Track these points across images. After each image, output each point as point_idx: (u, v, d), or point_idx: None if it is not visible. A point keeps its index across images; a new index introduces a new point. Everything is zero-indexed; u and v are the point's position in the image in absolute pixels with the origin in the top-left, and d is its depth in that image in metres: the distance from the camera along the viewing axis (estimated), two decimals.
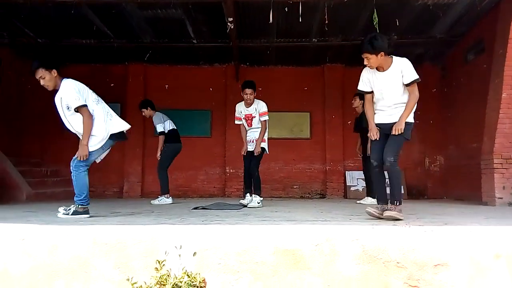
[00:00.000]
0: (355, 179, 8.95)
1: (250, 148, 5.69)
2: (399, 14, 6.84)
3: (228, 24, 6.53)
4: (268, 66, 9.27)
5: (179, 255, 2.58)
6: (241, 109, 5.73)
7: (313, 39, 7.94)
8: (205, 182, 9.19)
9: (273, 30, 7.49)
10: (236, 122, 5.86)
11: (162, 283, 2.47)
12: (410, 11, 6.76)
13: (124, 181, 8.97)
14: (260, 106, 5.62)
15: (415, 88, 3.76)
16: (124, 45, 8.23)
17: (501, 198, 5.92)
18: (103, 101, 4.21)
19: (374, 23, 6.19)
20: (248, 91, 5.53)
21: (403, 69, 3.77)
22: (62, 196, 6.77)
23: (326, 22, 6.42)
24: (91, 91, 4.20)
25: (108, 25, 7.40)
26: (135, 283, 2.51)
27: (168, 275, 2.51)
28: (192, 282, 2.48)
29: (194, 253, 2.59)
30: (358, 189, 8.81)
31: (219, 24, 7.04)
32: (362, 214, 4.30)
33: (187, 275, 2.51)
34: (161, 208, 5.40)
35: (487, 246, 2.55)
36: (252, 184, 5.73)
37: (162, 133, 6.77)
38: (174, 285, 2.45)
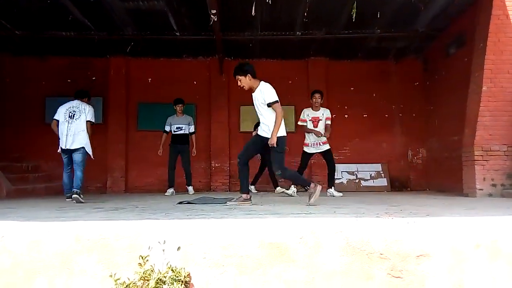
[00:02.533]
0: (340, 172, 9.02)
1: (313, 151, 6.61)
2: (382, 8, 6.89)
3: (212, 16, 6.46)
4: (252, 59, 9.21)
5: (163, 250, 2.56)
6: (308, 112, 6.63)
7: (297, 32, 7.94)
8: None
9: (257, 23, 7.45)
10: (299, 123, 6.78)
11: (145, 278, 2.45)
12: (392, 4, 6.81)
13: (107, 176, 8.85)
14: (327, 113, 6.62)
15: (276, 106, 4.51)
16: (105, 38, 8.07)
17: (482, 189, 6.05)
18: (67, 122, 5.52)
19: (352, 14, 6.29)
20: (317, 95, 6.53)
21: (263, 91, 4.54)
22: (43, 192, 6.64)
23: (306, 14, 6.44)
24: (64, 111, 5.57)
25: (88, 17, 7.25)
26: (118, 279, 2.48)
27: (152, 270, 2.48)
28: (177, 276, 2.46)
29: (178, 248, 2.58)
30: (342, 182, 8.90)
31: (202, 16, 6.96)
32: (347, 207, 4.34)
33: (172, 269, 2.49)
34: (145, 203, 5.35)
35: (467, 236, 2.60)
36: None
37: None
38: (158, 280, 2.42)
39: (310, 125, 6.55)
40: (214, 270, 2.57)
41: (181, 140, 7.55)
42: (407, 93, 9.17)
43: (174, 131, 7.53)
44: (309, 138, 6.60)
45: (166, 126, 7.60)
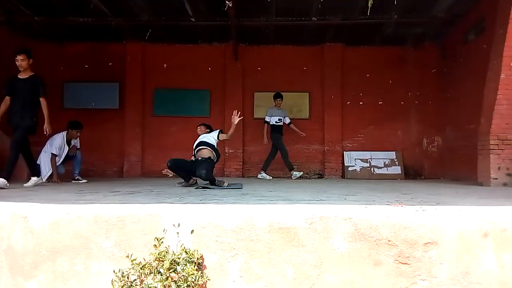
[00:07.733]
0: (353, 159, 9.03)
1: None
2: None
3: (226, 2, 6.45)
4: (267, 45, 9.21)
5: (177, 233, 2.66)
6: None
7: (313, 18, 7.86)
8: None
9: (272, 8, 7.41)
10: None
11: (160, 259, 2.55)
12: None
13: (124, 161, 9.04)
14: None
15: None
16: (121, 23, 8.15)
17: (496, 178, 6.00)
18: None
19: (369, 3, 6.18)
20: None
21: None
22: (62, 175, 6.84)
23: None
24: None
25: (105, 3, 7.32)
26: (135, 259, 2.59)
27: (166, 252, 2.59)
28: (190, 258, 2.56)
29: (192, 231, 2.67)
30: (356, 169, 8.91)
31: (217, 1, 6.95)
32: (358, 194, 4.38)
33: (185, 251, 2.59)
34: (160, 187, 5.49)
35: (476, 225, 2.62)
36: None
37: None
38: (172, 261, 2.53)
39: None
40: (226, 253, 2.67)
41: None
42: (423, 80, 9.04)
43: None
44: None
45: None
